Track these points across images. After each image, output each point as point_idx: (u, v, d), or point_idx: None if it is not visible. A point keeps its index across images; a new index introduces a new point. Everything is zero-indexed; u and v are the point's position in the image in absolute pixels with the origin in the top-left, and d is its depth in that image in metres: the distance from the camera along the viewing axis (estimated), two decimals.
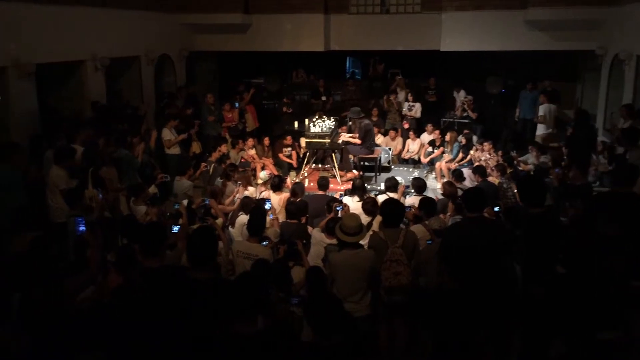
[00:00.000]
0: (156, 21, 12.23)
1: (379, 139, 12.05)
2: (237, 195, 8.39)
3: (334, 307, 3.13)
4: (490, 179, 8.93)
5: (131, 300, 3.38)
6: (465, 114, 12.81)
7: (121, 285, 4.03)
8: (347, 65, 18.29)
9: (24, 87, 8.34)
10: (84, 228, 4.66)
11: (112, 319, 3.33)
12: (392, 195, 7.81)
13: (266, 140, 11.61)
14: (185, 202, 7.13)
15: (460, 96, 13.44)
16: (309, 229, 7.01)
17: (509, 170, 9.15)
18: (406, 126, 12.81)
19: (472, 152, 10.90)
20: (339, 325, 3.06)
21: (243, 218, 7.02)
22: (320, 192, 8.16)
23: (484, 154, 10.56)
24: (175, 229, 4.83)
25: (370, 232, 5.74)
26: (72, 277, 4.56)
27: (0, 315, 3.94)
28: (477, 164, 9.92)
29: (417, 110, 13.00)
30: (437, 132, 11.69)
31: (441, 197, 8.20)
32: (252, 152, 11.10)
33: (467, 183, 9.05)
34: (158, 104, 12.02)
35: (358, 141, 10.38)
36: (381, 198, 7.56)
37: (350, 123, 11.23)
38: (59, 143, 7.38)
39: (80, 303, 4.40)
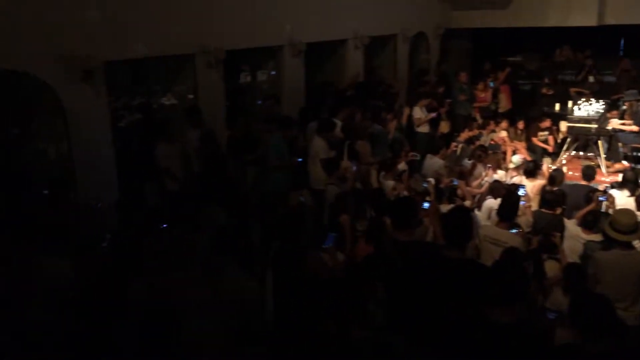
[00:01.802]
0: None
1: None
2: (485, 178, 8.07)
3: (606, 308, 2.74)
4: None
5: (383, 270, 3.45)
6: None
7: (371, 254, 4.16)
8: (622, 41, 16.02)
9: (295, 64, 9.19)
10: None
11: (362, 285, 3.46)
12: None
13: (520, 124, 10.86)
14: (433, 180, 7.09)
15: None
16: (564, 220, 6.39)
17: None
18: None
19: None
20: (610, 329, 2.67)
21: (491, 202, 6.72)
22: (583, 182, 7.36)
23: None
24: (426, 205, 4.81)
25: None
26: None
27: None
28: None
29: None
30: None
31: None
32: (504, 134, 10.51)
33: None
34: (411, 81, 12.16)
35: (634, 128, 9.05)
36: None
37: (625, 107, 9.83)
38: (322, 116, 7.95)
39: (330, 267, 4.69)
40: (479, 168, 8.34)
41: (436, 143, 8.96)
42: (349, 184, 6.84)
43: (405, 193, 6.82)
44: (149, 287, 4.02)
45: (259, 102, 9.34)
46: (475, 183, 8.07)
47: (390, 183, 7.29)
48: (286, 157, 7.16)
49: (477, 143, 9.69)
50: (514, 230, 5.26)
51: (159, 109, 8.57)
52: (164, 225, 4.98)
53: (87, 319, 3.67)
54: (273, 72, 9.36)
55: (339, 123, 7.81)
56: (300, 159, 7.42)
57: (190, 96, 7.84)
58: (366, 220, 5.93)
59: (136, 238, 4.72)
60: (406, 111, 9.97)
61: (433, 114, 10.17)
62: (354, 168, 7.12)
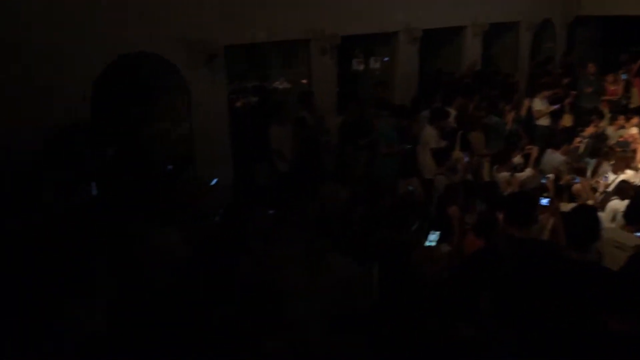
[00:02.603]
0: None
1: None
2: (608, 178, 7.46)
3: None
4: None
5: (495, 265, 3.29)
6: None
7: (481, 249, 3.98)
8: None
9: (410, 51, 9.04)
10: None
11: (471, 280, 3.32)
12: None
13: None
14: (552, 176, 6.67)
15: None
16: None
17: None
18: None
19: None
20: None
21: (616, 203, 6.20)
22: None
23: None
24: (544, 202, 4.52)
25: None
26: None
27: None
28: None
29: None
30: None
31: None
32: (634, 131, 9.61)
33: None
34: (532, 72, 11.50)
35: None
36: None
37: None
38: (435, 105, 7.75)
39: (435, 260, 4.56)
40: (605, 166, 7.72)
41: (557, 137, 8.41)
42: (459, 175, 6.62)
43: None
44: (255, 264, 4.15)
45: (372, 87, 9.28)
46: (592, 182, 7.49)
47: (504, 176, 6.96)
48: (395, 144, 7.08)
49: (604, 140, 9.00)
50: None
51: (272, 93, 8.80)
52: (271, 212, 5.10)
53: (196, 287, 3.86)
54: (386, 59, 9.25)
55: (452, 112, 7.58)
56: (409, 146, 7.28)
57: (303, 81, 7.96)
58: (476, 214, 5.73)
59: (245, 215, 4.91)
60: (526, 102, 9.45)
61: (555, 106, 9.56)
62: (466, 159, 6.89)
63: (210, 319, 3.41)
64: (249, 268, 4.15)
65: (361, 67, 9.64)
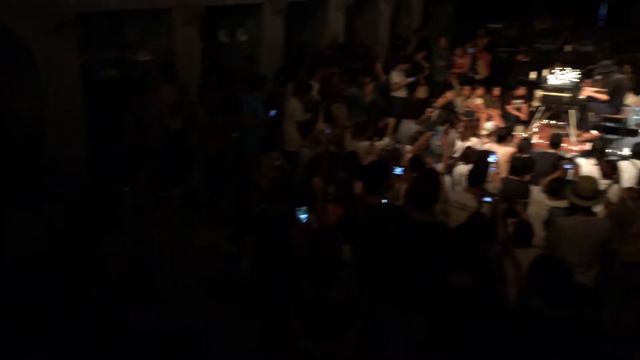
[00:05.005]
0: None
1: (630, 98, 10.47)
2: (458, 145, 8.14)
3: (565, 273, 2.82)
4: None
5: (353, 233, 3.52)
6: None
7: (342, 218, 4.22)
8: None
9: (275, 23, 9.06)
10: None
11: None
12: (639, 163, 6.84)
13: (496, 91, 10.90)
14: (408, 147, 7.16)
15: None
16: (531, 187, 6.55)
17: None
18: None
19: None
20: (569, 296, 2.76)
21: (462, 168, 6.81)
22: (551, 150, 7.51)
23: None
24: (398, 170, 4.87)
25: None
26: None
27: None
28: None
29: None
30: None
31: None
32: (479, 101, 10.56)
33: None
34: (391, 45, 12.08)
35: (604, 97, 9.20)
36: (624, 165, 6.68)
37: (600, 77, 9.94)
38: (299, 77, 7.89)
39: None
40: (453, 134, 8.40)
41: (413, 108, 8.97)
42: (322, 146, 6.86)
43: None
44: (124, 242, 4.07)
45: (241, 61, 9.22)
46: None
47: (364, 146, 7.31)
48: (261, 115, 7.15)
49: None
50: (487, 199, 5.33)
51: (134, 65, 8.41)
52: (125, 189, 4.98)
53: (58, 272, 3.72)
54: (256, 29, 9.21)
55: (316, 85, 7.78)
56: (273, 113, 7.36)
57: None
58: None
59: (110, 192, 4.75)
60: (382, 75, 9.89)
61: (411, 78, 10.13)
62: (328, 131, 7.13)
63: (77, 295, 3.32)
64: (116, 244, 4.06)
65: (228, 40, 9.50)
